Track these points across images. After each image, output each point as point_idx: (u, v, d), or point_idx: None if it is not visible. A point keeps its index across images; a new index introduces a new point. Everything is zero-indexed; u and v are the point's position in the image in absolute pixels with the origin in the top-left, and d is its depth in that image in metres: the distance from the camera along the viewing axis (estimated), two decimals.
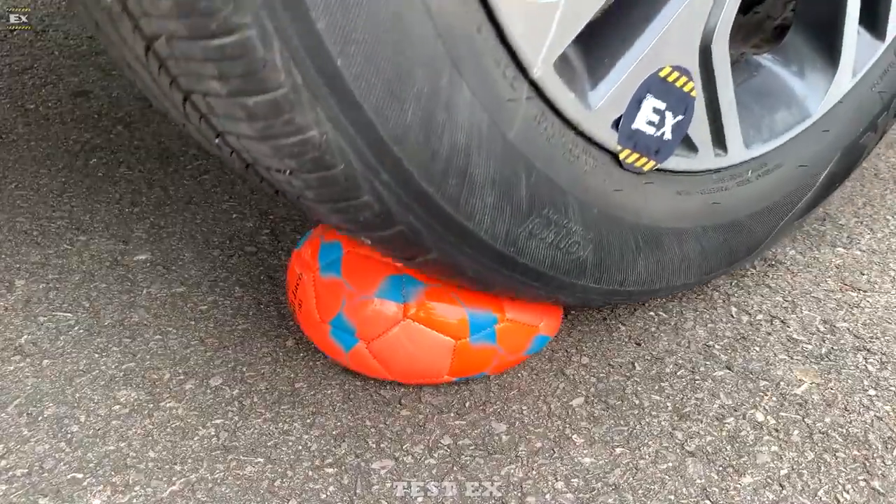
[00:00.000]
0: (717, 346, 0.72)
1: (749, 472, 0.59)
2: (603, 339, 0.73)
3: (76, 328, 0.76)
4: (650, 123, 0.58)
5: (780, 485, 0.58)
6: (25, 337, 0.74)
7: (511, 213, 0.54)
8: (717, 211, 0.69)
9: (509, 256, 0.56)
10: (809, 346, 0.72)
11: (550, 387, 0.68)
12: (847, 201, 0.95)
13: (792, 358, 0.70)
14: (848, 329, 0.74)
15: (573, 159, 0.56)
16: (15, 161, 1.07)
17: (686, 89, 0.59)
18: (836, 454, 0.60)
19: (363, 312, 0.62)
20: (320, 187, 0.47)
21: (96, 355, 0.72)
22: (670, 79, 0.57)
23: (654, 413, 0.64)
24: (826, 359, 0.70)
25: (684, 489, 0.57)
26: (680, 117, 0.60)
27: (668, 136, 0.60)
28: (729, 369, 0.69)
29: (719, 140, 0.65)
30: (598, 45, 0.56)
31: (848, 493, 0.57)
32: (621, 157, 0.58)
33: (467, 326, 0.62)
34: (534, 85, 0.51)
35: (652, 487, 0.58)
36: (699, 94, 0.60)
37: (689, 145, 0.64)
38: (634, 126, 0.58)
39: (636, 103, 0.57)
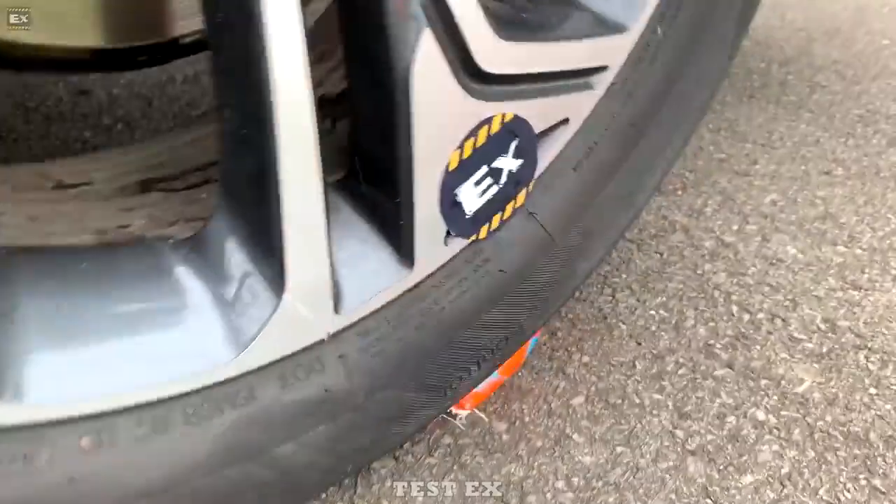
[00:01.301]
0: (717, 345, 0.72)
1: (750, 470, 0.59)
2: (603, 337, 0.73)
3: None
4: (485, 190, 0.47)
5: (781, 483, 0.58)
6: None
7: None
8: (634, 133, 0.55)
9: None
10: (810, 345, 0.71)
11: (551, 386, 0.67)
12: (848, 200, 0.95)
13: (793, 356, 0.70)
14: (849, 327, 0.73)
15: (430, 327, 0.49)
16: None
17: (483, 137, 0.45)
18: (837, 453, 0.60)
19: None
20: None
21: None
22: (457, 162, 0.44)
23: (654, 412, 0.64)
24: (827, 357, 0.70)
25: (685, 488, 0.57)
26: (515, 141, 0.47)
27: (516, 165, 0.47)
28: (730, 368, 0.69)
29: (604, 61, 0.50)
30: (375, 205, 0.46)
31: (849, 491, 0.57)
32: (482, 236, 0.49)
33: None
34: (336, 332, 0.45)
35: (652, 486, 0.58)
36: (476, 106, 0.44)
37: (553, 128, 0.50)
38: (469, 216, 0.47)
39: (451, 206, 0.45)
